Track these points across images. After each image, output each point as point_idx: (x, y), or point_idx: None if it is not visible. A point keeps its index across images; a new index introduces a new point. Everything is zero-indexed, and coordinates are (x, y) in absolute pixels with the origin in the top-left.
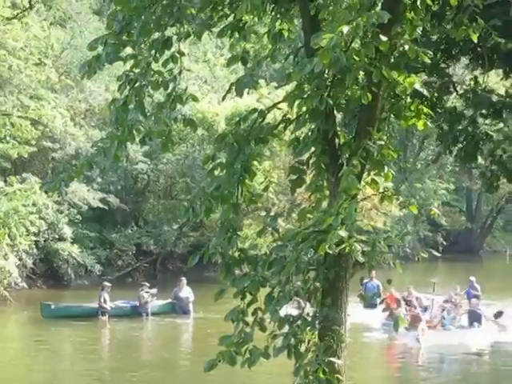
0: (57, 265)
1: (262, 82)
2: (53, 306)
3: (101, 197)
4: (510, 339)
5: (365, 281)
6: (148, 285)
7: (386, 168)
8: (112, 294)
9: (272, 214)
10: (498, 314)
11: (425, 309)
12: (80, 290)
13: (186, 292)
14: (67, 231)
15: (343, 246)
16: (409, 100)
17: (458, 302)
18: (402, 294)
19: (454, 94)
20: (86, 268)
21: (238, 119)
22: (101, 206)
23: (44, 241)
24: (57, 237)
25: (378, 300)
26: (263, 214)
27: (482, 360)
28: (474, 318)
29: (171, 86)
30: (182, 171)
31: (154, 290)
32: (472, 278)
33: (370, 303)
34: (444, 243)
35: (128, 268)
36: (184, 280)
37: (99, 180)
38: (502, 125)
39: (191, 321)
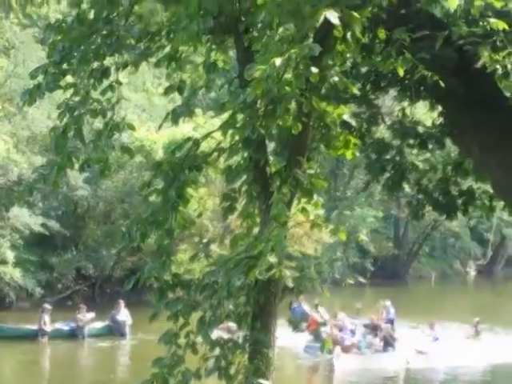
0: None
1: (198, 111)
2: None
3: (42, 222)
4: (425, 363)
5: (293, 305)
6: (85, 307)
7: (315, 196)
8: (52, 316)
9: (205, 240)
10: (432, 326)
11: (351, 332)
12: (21, 312)
13: (123, 315)
14: (9, 255)
15: (273, 271)
16: (338, 130)
17: (380, 326)
18: (328, 318)
19: (383, 124)
20: (27, 291)
21: (173, 147)
22: (42, 230)
23: None
24: None
25: (305, 324)
26: (198, 239)
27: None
28: (389, 342)
29: (109, 114)
30: (121, 197)
31: (92, 315)
32: (387, 303)
33: (298, 327)
34: (372, 269)
35: (68, 291)
36: (122, 303)
37: (41, 205)
38: (428, 155)
39: (128, 342)
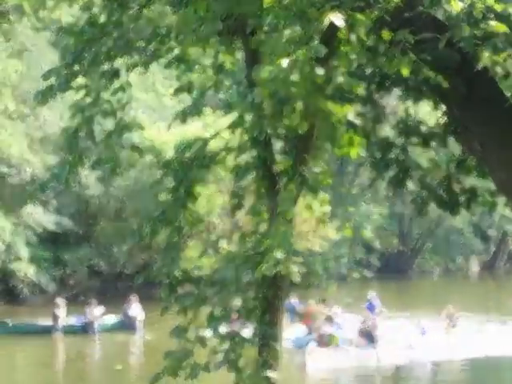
0: (13, 284)
1: (207, 111)
2: (10, 324)
3: (55, 219)
4: (406, 359)
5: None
6: (95, 302)
7: (321, 193)
8: (65, 311)
9: (214, 236)
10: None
11: (337, 326)
12: (35, 307)
13: (135, 309)
14: (23, 252)
15: (280, 267)
16: (343, 129)
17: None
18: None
19: (387, 123)
20: (40, 287)
21: (183, 146)
22: (55, 228)
23: (2, 261)
24: (14, 257)
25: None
26: (206, 236)
27: (375, 380)
28: (370, 337)
29: (119, 114)
30: (132, 195)
31: (102, 309)
32: (373, 293)
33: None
34: (377, 264)
35: (80, 287)
36: (134, 298)
37: (54, 203)
38: (431, 153)
39: (140, 337)
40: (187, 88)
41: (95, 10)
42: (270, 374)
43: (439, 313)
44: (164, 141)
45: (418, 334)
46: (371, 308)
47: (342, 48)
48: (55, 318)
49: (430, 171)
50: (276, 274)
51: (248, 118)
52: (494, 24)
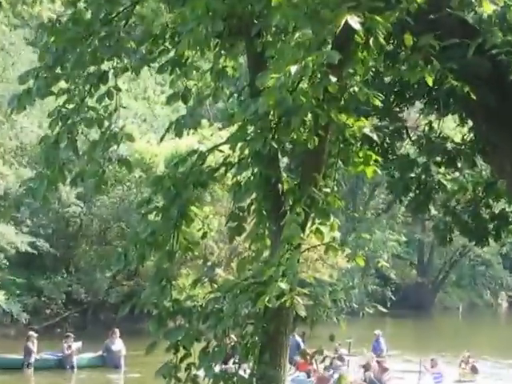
0: None
1: (204, 122)
2: None
3: (30, 240)
4: None
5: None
6: (73, 336)
7: (331, 217)
8: (39, 344)
9: (210, 263)
10: (434, 363)
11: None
12: (5, 339)
13: (118, 345)
14: None
15: (284, 299)
16: (358, 145)
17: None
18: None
19: (407, 139)
20: (11, 316)
21: (176, 161)
22: (29, 250)
23: None
24: None
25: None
26: (201, 262)
27: None
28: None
29: (106, 123)
30: (118, 215)
31: (79, 344)
32: (377, 332)
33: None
34: (393, 298)
35: (57, 317)
36: (117, 332)
37: (29, 223)
38: (456, 174)
39: (122, 375)
40: (182, 96)
41: (80, 5)
42: None
43: (458, 358)
44: (155, 154)
45: (433, 380)
46: (376, 350)
47: (359, 54)
48: (28, 351)
49: (454, 194)
50: (279, 307)
51: (250, 129)
52: None
